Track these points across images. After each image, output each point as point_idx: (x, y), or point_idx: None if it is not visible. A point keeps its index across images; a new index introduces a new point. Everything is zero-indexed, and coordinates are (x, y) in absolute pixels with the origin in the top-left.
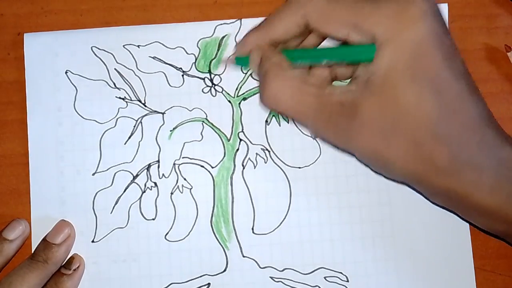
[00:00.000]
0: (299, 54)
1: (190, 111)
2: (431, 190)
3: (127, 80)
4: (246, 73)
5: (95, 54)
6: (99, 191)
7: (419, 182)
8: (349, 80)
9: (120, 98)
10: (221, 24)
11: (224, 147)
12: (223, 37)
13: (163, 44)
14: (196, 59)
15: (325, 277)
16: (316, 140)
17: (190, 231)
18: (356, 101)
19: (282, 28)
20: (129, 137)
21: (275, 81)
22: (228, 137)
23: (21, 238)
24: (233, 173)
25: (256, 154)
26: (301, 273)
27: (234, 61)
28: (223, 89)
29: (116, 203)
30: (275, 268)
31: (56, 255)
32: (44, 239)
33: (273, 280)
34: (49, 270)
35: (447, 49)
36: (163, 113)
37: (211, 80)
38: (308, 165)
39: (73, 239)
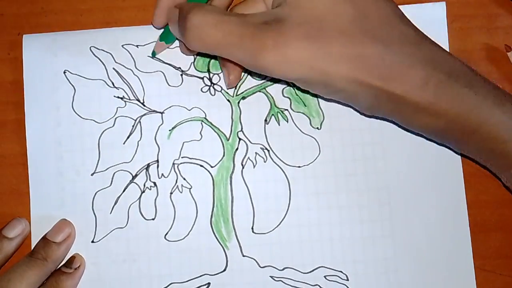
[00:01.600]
0: None
1: (189, 110)
2: (371, 94)
3: (125, 80)
4: (245, 72)
5: (94, 54)
6: (98, 191)
7: (358, 87)
8: None
9: (118, 97)
10: None
11: (223, 146)
12: None
13: (157, 43)
14: (194, 59)
15: (325, 276)
16: (314, 139)
17: (190, 231)
18: (278, 17)
19: None
20: (128, 137)
21: (196, 16)
22: (228, 137)
23: (20, 236)
24: (232, 172)
25: (256, 153)
26: (301, 272)
27: (161, 43)
28: (222, 88)
29: (116, 203)
30: (275, 268)
31: (55, 254)
32: (44, 237)
33: (273, 279)
34: (48, 268)
35: None
36: (162, 113)
37: (210, 79)
38: (308, 164)
39: (73, 239)
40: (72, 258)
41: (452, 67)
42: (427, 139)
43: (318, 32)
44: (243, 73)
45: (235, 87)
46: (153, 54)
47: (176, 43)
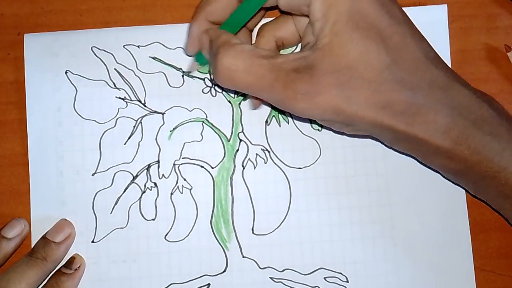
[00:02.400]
0: (232, 20)
1: (190, 111)
2: (393, 136)
3: (127, 80)
4: None
5: (95, 54)
6: (99, 191)
7: (381, 130)
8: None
9: (120, 98)
10: None
11: (224, 147)
12: None
13: (163, 45)
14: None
15: (325, 278)
16: (315, 140)
17: (190, 231)
18: (310, 64)
19: (218, 6)
20: (129, 137)
21: (226, 58)
22: (228, 138)
23: (20, 237)
24: (233, 173)
25: (256, 154)
26: (301, 273)
27: (196, 63)
28: (223, 90)
29: (116, 203)
30: (275, 269)
31: (55, 253)
32: (44, 237)
33: (273, 280)
34: (47, 268)
35: None
36: (163, 114)
37: (211, 80)
38: (308, 166)
39: (73, 238)
40: (72, 258)
41: (478, 114)
42: None
43: (348, 80)
44: None
45: None
46: (186, 74)
47: None
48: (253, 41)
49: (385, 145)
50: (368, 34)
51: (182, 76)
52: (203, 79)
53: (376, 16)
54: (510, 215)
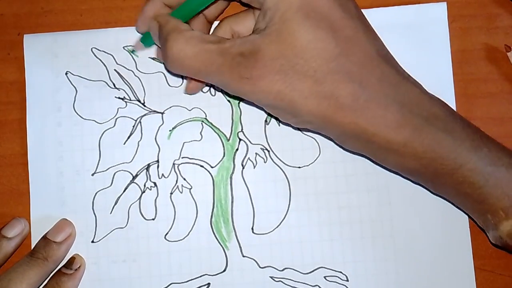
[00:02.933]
0: (184, 7)
1: (190, 110)
2: (340, 130)
3: (126, 81)
4: None
5: (95, 55)
6: (99, 191)
7: (326, 122)
8: None
9: (119, 98)
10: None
11: (223, 147)
12: None
13: (136, 43)
14: None
15: (325, 277)
16: (314, 139)
17: (190, 231)
18: (256, 49)
19: None
20: (128, 137)
21: (176, 44)
22: (228, 137)
23: (20, 236)
24: (232, 173)
25: (256, 154)
26: (301, 272)
27: (141, 44)
28: (182, 77)
29: (116, 203)
30: (275, 268)
31: (56, 253)
32: (44, 237)
33: (273, 279)
34: (48, 268)
35: None
36: (162, 113)
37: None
38: (308, 165)
39: (74, 238)
40: (72, 259)
41: (431, 111)
42: None
43: (292, 67)
44: None
45: None
46: (133, 51)
47: None
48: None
49: (336, 143)
50: (319, 24)
51: (181, 75)
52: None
53: (328, 8)
54: (472, 213)
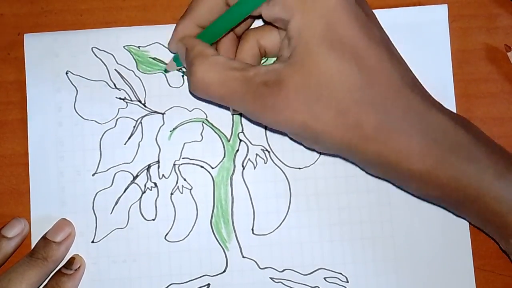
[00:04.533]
0: (209, 31)
1: (190, 111)
2: (363, 158)
3: (127, 81)
4: None
5: (96, 55)
6: (99, 191)
7: (350, 151)
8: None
9: (120, 98)
10: None
11: (224, 147)
12: None
13: (163, 45)
14: None
15: (325, 278)
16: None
17: (190, 231)
18: (279, 78)
19: (205, 10)
20: (129, 138)
21: (200, 69)
22: (228, 138)
23: (20, 236)
24: (233, 173)
25: (256, 154)
26: (301, 273)
27: (173, 63)
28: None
29: (116, 203)
30: (275, 269)
31: (55, 253)
32: (44, 237)
33: (273, 280)
34: (48, 268)
35: (362, 17)
36: (163, 114)
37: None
38: (308, 166)
39: (73, 238)
40: (72, 259)
41: (455, 139)
42: None
43: (317, 98)
44: None
45: None
46: (165, 71)
47: None
48: None
49: (360, 167)
50: (343, 54)
51: (182, 76)
52: None
53: (353, 37)
54: (495, 236)
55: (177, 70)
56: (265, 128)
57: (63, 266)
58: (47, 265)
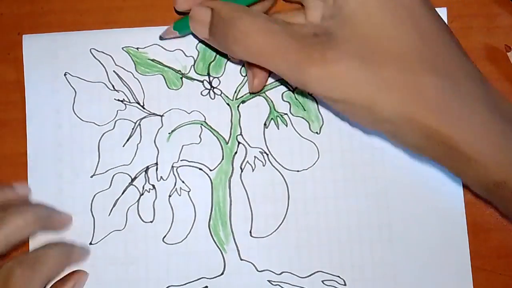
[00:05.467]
0: None
1: (189, 113)
2: (421, 133)
3: (125, 83)
4: (245, 76)
5: (94, 56)
6: (97, 193)
7: (407, 121)
8: None
9: (118, 100)
10: None
11: (222, 150)
12: None
13: (162, 47)
14: (195, 62)
15: (322, 281)
16: (313, 143)
17: (188, 234)
18: (330, 30)
19: None
20: (128, 140)
21: (245, 24)
22: (227, 140)
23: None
24: (231, 176)
25: (255, 157)
26: (298, 276)
27: (172, 31)
28: (222, 92)
29: (114, 205)
30: (272, 272)
31: None
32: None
33: (271, 283)
34: None
35: None
36: (161, 116)
37: (210, 82)
38: (307, 169)
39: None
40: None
41: None
42: None
43: (371, 52)
44: (242, 77)
45: (235, 90)
46: (160, 38)
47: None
48: None
49: (405, 147)
50: (400, 12)
51: (181, 78)
52: (202, 82)
53: (413, 2)
54: None
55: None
56: (264, 130)
57: (58, 281)
58: None
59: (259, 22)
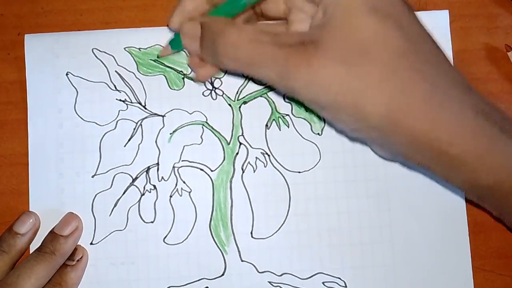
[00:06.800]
0: (226, 6)
1: (190, 114)
2: (409, 138)
3: (127, 83)
4: (246, 77)
5: (96, 56)
6: (98, 193)
7: (395, 126)
8: None
9: (120, 100)
10: None
11: (223, 150)
12: None
13: (164, 47)
14: None
15: (323, 282)
16: (315, 144)
17: (189, 234)
18: (317, 37)
19: None
20: (129, 140)
21: (229, 34)
22: (228, 141)
23: (32, 231)
24: (232, 177)
25: (256, 158)
26: (299, 278)
27: (168, 47)
28: (223, 93)
29: (115, 205)
30: (273, 273)
31: (63, 247)
32: (51, 231)
33: (272, 284)
34: (56, 262)
35: None
36: (163, 116)
37: (212, 83)
38: (308, 170)
39: (81, 232)
40: (74, 250)
41: (503, 120)
42: None
43: (358, 58)
44: (243, 78)
45: (237, 91)
46: (157, 57)
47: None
48: None
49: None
50: (385, 18)
51: (183, 78)
52: (204, 82)
53: (391, 4)
54: None
55: (172, 53)
56: (265, 131)
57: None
58: (55, 259)
59: (247, 34)
